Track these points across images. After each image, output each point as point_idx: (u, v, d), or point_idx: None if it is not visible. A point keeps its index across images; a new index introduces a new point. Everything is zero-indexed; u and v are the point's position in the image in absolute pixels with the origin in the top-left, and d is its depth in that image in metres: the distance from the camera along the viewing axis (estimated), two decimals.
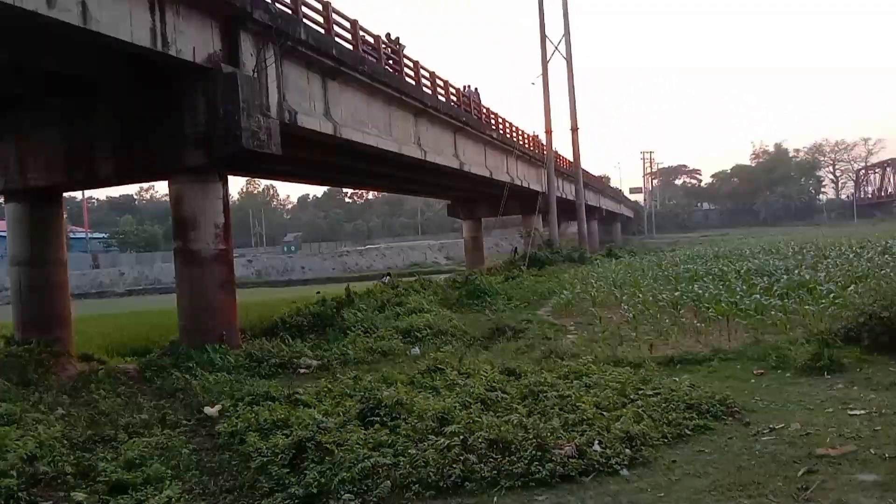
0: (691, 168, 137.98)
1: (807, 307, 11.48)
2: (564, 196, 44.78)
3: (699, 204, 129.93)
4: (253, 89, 12.45)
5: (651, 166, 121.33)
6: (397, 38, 21.44)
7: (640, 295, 15.12)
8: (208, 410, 8.17)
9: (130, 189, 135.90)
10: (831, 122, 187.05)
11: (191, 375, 9.94)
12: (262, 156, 12.96)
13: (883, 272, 14.19)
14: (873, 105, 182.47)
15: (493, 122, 32.02)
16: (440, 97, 24.45)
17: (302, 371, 10.96)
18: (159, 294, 43.17)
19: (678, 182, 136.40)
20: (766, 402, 6.91)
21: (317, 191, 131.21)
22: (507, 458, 5.29)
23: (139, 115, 12.57)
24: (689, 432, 5.98)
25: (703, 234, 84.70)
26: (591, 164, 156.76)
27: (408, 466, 5.32)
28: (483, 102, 31.04)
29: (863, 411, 6.25)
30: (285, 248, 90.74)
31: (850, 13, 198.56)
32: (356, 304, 16.71)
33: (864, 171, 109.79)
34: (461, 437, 5.62)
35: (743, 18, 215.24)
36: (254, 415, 7.16)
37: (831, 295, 11.98)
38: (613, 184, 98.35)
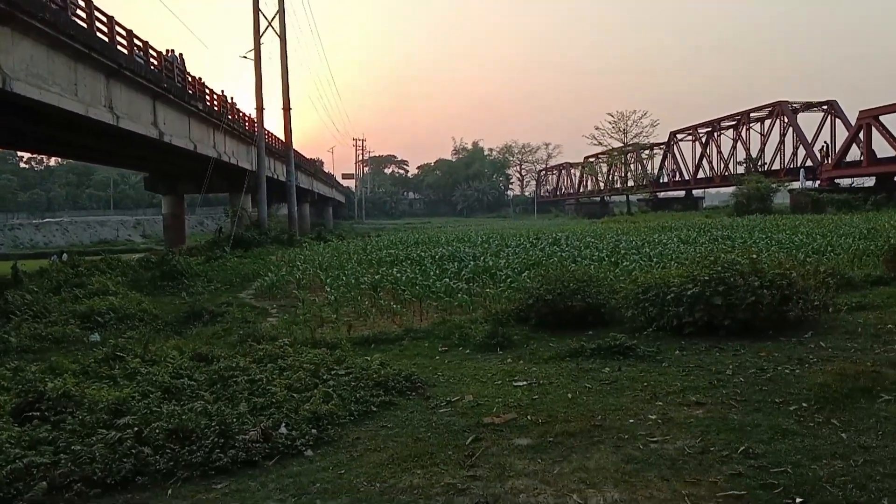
0: (400, 159, 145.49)
1: (488, 290, 12.80)
2: (276, 177, 43.94)
3: (406, 193, 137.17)
4: None
5: (363, 154, 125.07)
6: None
7: (344, 277, 15.51)
8: None
9: None
10: (521, 126, 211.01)
11: None
12: None
13: (551, 260, 16.29)
14: (555, 115, 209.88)
15: (199, 91, 30.14)
16: (138, 59, 22.30)
17: None
18: None
19: (388, 171, 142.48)
20: (446, 376, 7.51)
21: None
22: (186, 448, 5.02)
23: None
24: (375, 409, 6.25)
25: (407, 222, 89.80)
26: (306, 147, 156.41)
27: (70, 464, 4.79)
28: (190, 71, 29.13)
29: (525, 382, 7.06)
30: None
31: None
32: (25, 284, 14.60)
33: (544, 171, 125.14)
34: (136, 428, 5.22)
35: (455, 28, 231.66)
36: None
37: (508, 280, 13.53)
38: (327, 168, 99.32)
